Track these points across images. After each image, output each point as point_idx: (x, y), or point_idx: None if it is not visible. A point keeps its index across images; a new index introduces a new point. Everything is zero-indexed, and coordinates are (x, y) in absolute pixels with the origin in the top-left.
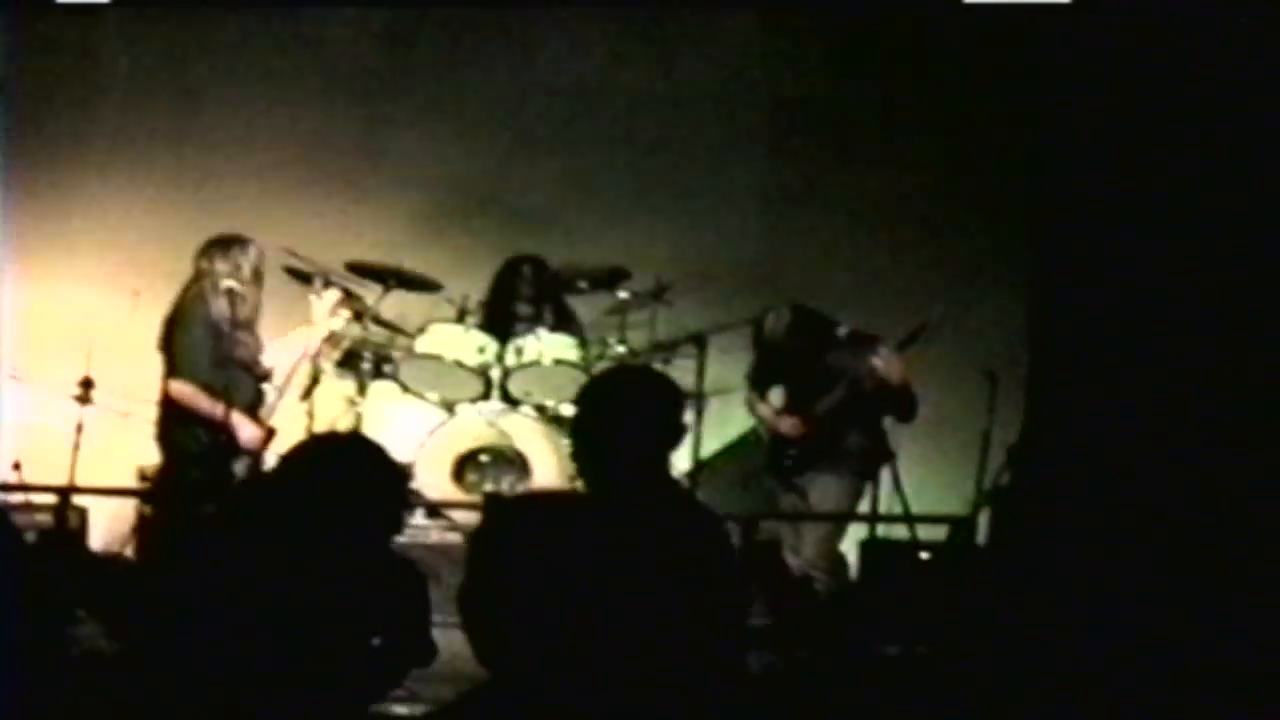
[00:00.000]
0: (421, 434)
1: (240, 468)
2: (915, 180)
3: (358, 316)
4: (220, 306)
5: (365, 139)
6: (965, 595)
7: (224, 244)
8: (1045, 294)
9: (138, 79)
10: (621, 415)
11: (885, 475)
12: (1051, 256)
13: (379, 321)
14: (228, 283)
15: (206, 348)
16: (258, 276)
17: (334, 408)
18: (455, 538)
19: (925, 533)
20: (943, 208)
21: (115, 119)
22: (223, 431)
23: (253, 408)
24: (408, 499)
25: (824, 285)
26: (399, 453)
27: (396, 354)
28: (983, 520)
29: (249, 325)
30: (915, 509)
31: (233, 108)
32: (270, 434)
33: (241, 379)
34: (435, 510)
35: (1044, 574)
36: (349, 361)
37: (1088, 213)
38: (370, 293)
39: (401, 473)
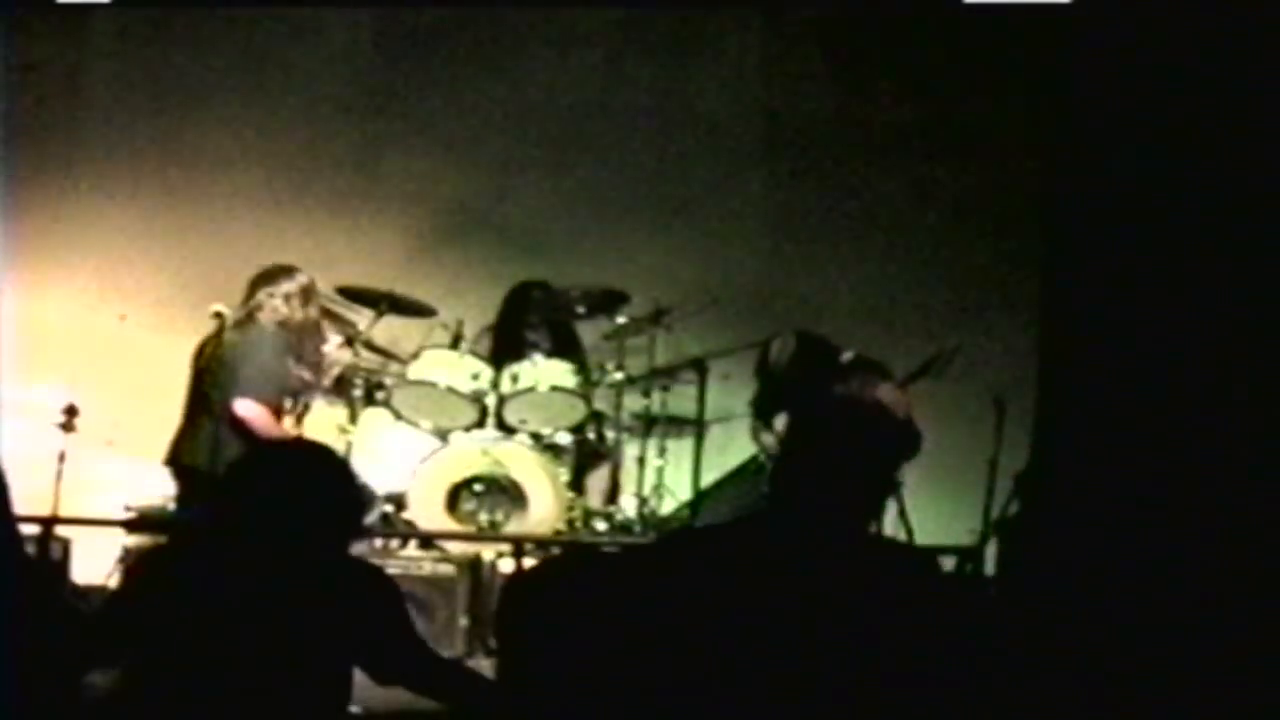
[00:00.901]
0: (414, 462)
1: None
2: (922, 201)
3: (349, 342)
4: (292, 332)
5: (357, 158)
6: (973, 629)
7: (284, 273)
8: (1055, 318)
9: (122, 95)
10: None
11: (889, 505)
12: (1062, 279)
13: (371, 347)
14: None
15: (280, 371)
16: (315, 305)
17: (325, 435)
18: (449, 569)
19: None
20: (950, 229)
21: (100, 137)
22: None
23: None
24: (360, 500)
25: (828, 310)
26: (392, 482)
27: (389, 380)
28: (990, 551)
29: (310, 352)
30: (920, 539)
31: (220, 126)
32: None
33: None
34: (428, 541)
35: (1055, 607)
36: (340, 388)
37: (1101, 234)
38: (362, 317)
39: (349, 472)
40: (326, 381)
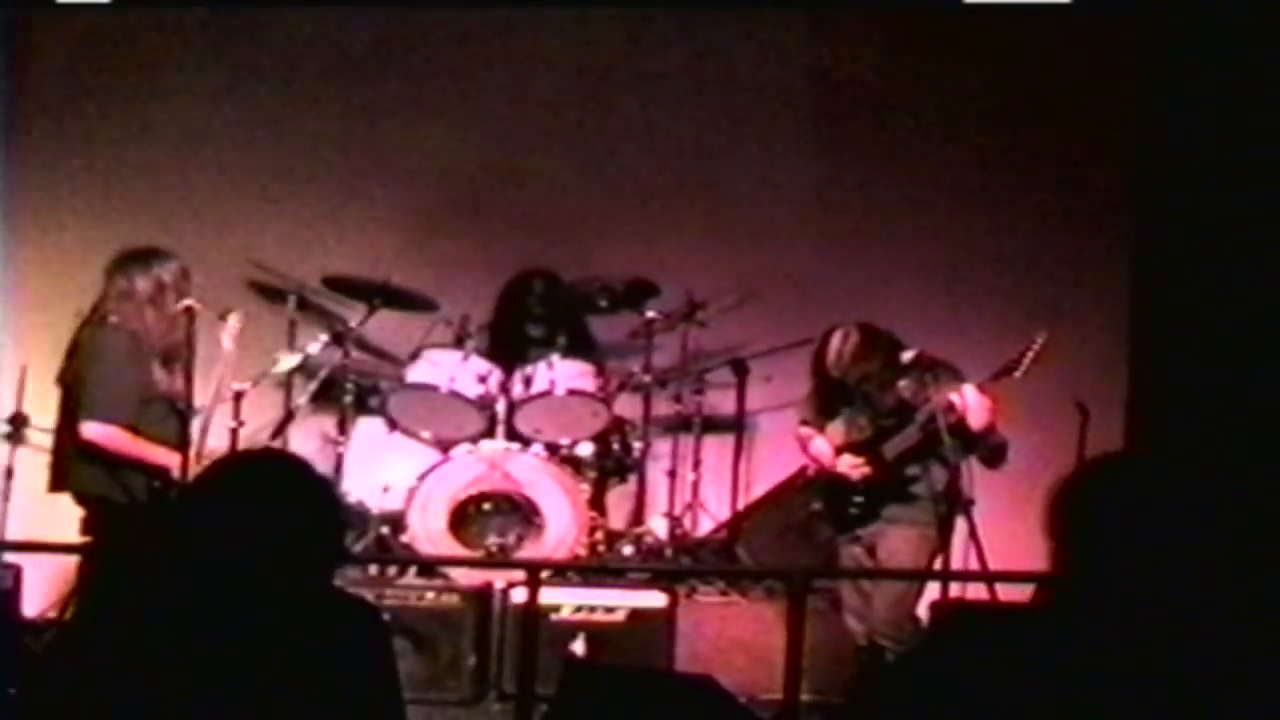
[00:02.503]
0: (413, 478)
1: None
2: (991, 177)
3: (338, 340)
4: (146, 332)
5: (344, 130)
6: (1055, 666)
7: (144, 258)
8: (1148, 311)
9: (73, 61)
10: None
11: (959, 524)
12: (1157, 266)
13: (363, 346)
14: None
15: (129, 381)
16: (180, 297)
17: (310, 448)
18: (453, 600)
19: (1007, 592)
20: (1024, 209)
21: (49, 108)
22: (156, 476)
23: (181, 451)
24: (342, 521)
25: (884, 302)
26: (388, 500)
27: (384, 384)
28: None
29: (175, 355)
30: (994, 564)
31: (187, 95)
32: None
33: (165, 415)
34: (430, 568)
35: (1149, 641)
36: (327, 393)
37: (1200, 215)
38: (352, 312)
39: (331, 489)
40: (224, 390)
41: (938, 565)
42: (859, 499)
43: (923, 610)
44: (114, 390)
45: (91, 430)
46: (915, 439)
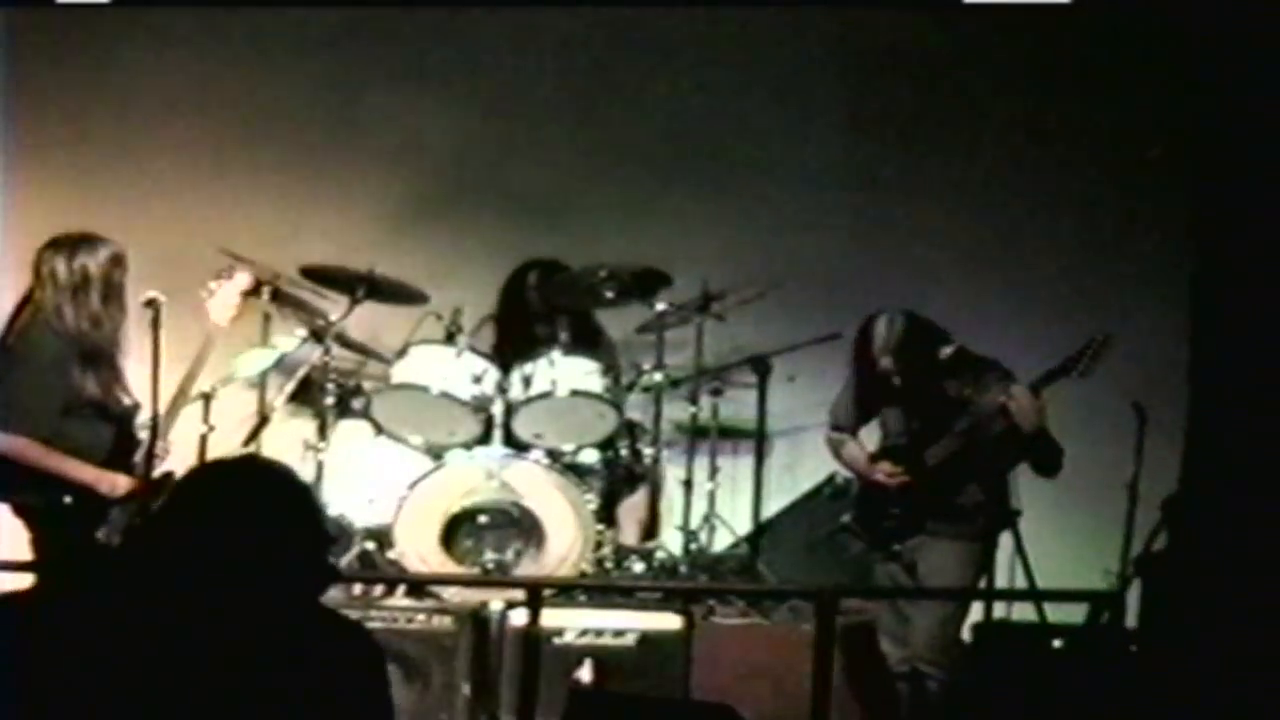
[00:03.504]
0: (401, 488)
1: (109, 532)
2: (1040, 157)
3: (317, 336)
4: (66, 330)
5: (326, 108)
6: (1110, 693)
7: (69, 245)
8: (1211, 304)
9: (21, 30)
10: None
11: (1005, 538)
12: (1220, 256)
13: (345, 343)
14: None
15: (48, 387)
16: (111, 288)
17: (288, 454)
18: (447, 623)
19: (1057, 613)
20: (1077, 192)
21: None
22: (81, 491)
23: (116, 459)
24: (326, 536)
25: (922, 294)
26: (373, 513)
27: (368, 385)
28: (1132, 597)
29: (102, 354)
30: (1043, 582)
31: (152, 69)
32: (149, 483)
33: (93, 425)
34: (420, 587)
35: (1211, 667)
36: (306, 395)
37: (1265, 201)
38: (334, 305)
39: (315, 501)
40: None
41: (980, 584)
42: (896, 510)
43: (967, 633)
44: (26, 399)
45: (5, 444)
46: (960, 444)
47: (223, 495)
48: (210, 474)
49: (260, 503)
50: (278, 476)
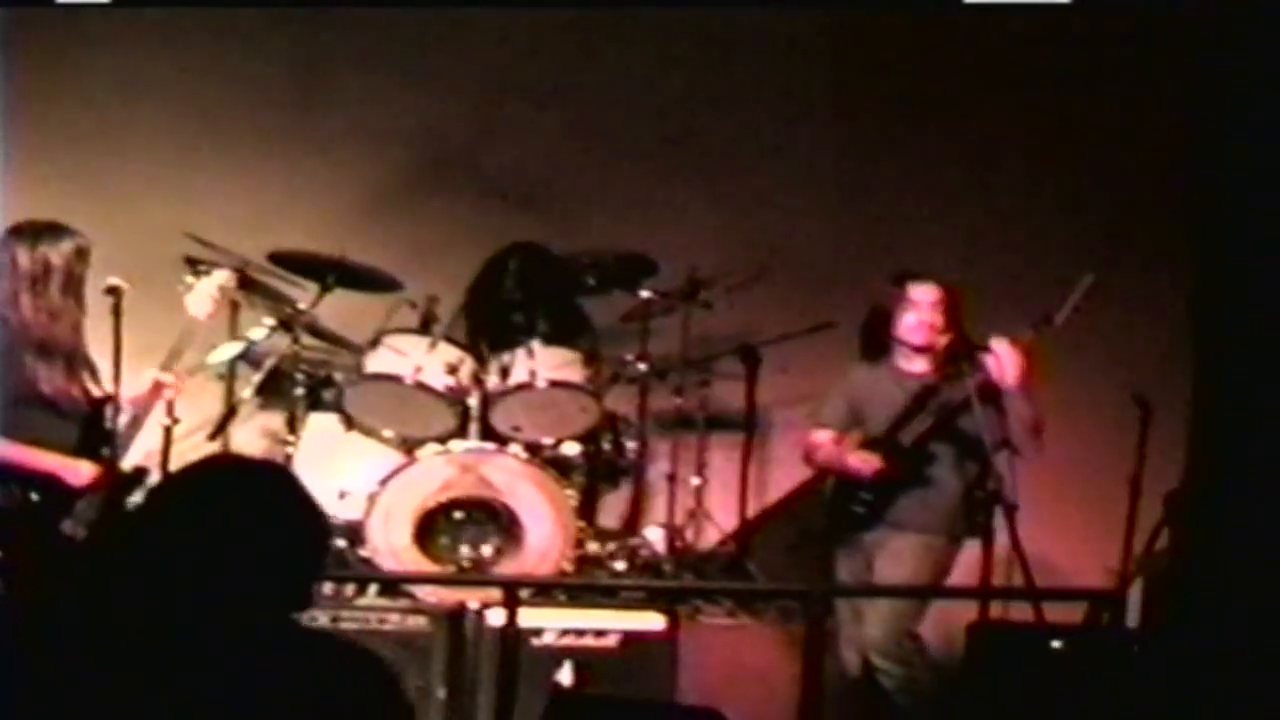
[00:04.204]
0: (373, 483)
1: (73, 525)
2: (1035, 142)
3: (286, 325)
4: (21, 320)
5: (294, 85)
6: (1110, 696)
7: (33, 233)
8: (1215, 291)
9: None
10: None
11: (1000, 533)
12: (1223, 242)
13: (315, 332)
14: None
15: None
16: (72, 281)
17: (255, 449)
18: (421, 623)
19: (1056, 613)
20: (1076, 174)
21: None
22: (46, 484)
23: (85, 456)
24: (325, 546)
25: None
26: (345, 509)
27: (339, 376)
28: (1134, 596)
29: (59, 348)
30: (1042, 580)
31: (116, 45)
32: (117, 475)
33: (52, 420)
34: (393, 586)
35: (1216, 669)
36: (275, 386)
37: (1271, 191)
38: (303, 293)
39: (314, 505)
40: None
41: (972, 579)
42: (868, 496)
43: (925, 629)
44: None
45: None
46: (934, 421)
47: (219, 499)
48: (203, 476)
49: (259, 509)
50: (280, 479)
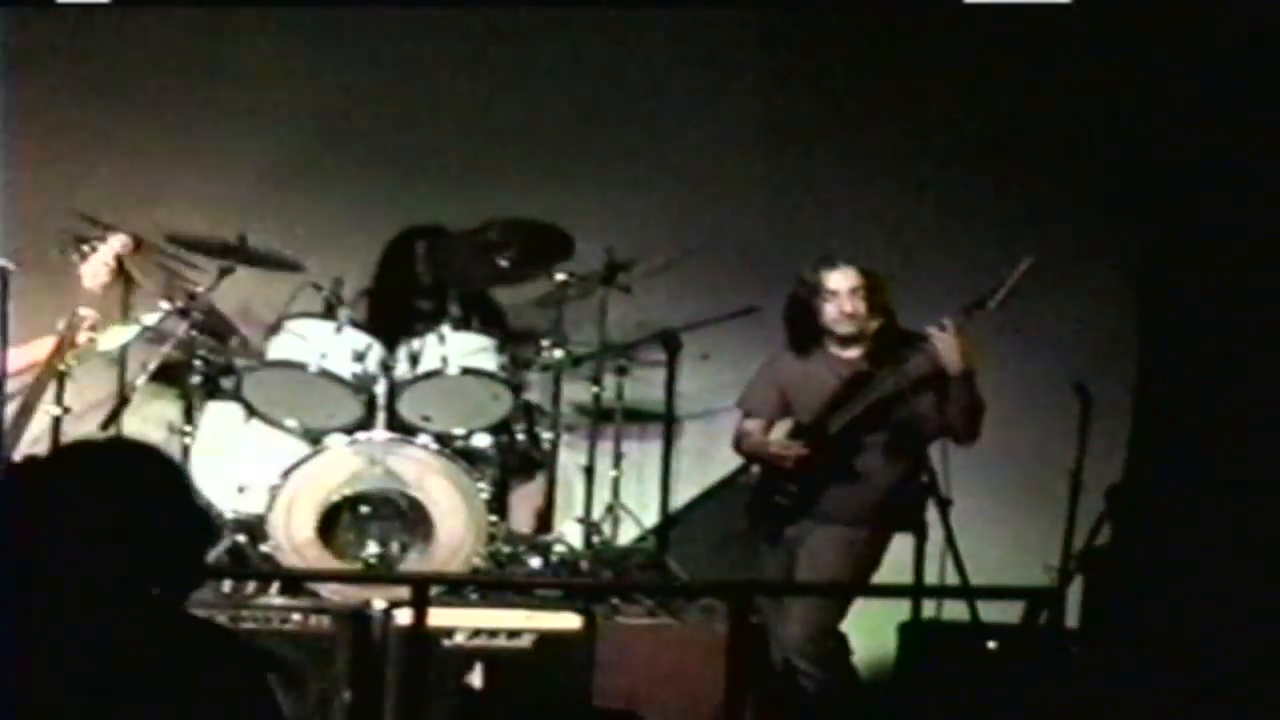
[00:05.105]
0: (275, 476)
1: None
2: (973, 120)
3: (183, 312)
4: None
5: (189, 55)
6: (1048, 700)
7: None
8: (1160, 278)
9: None
10: None
11: (934, 528)
12: (1170, 227)
13: (213, 317)
14: None
15: None
16: None
17: (151, 438)
18: (324, 623)
19: (991, 612)
20: (1012, 157)
21: None
22: None
23: None
24: (207, 525)
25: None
26: (244, 503)
27: (239, 362)
28: (1074, 594)
29: None
30: (976, 577)
31: None
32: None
33: None
34: (295, 584)
35: (1157, 669)
36: (170, 373)
37: (1216, 179)
38: (201, 275)
39: (195, 490)
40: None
41: (904, 575)
42: (792, 487)
43: (854, 628)
44: None
45: None
46: (865, 407)
47: (85, 481)
48: (71, 457)
49: (129, 490)
50: (150, 460)
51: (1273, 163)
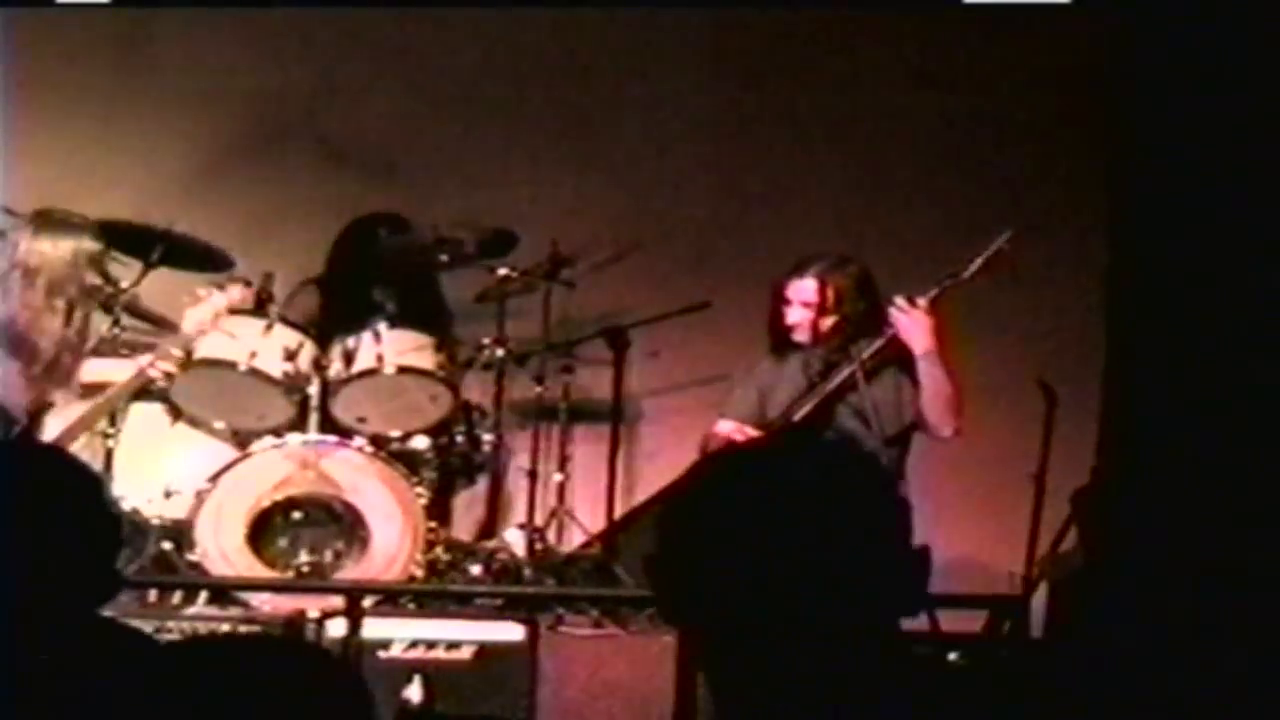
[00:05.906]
0: (202, 480)
1: None
2: (935, 102)
3: (106, 307)
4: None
5: (119, 39)
6: (1012, 714)
7: (40, 223)
8: (1129, 275)
9: None
10: None
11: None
12: (1140, 224)
13: (137, 313)
14: None
15: None
16: (61, 283)
17: (71, 442)
18: (254, 633)
19: (953, 622)
20: (972, 146)
21: None
22: None
23: None
24: (115, 529)
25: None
26: (170, 508)
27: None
28: (1039, 603)
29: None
30: (937, 585)
31: None
32: None
33: None
34: (224, 593)
35: (1125, 682)
36: None
37: (1185, 174)
38: (125, 269)
39: (103, 493)
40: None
41: None
42: None
43: None
44: None
45: None
46: (824, 393)
47: None
48: None
49: (31, 495)
50: (55, 463)
51: (1239, 161)
